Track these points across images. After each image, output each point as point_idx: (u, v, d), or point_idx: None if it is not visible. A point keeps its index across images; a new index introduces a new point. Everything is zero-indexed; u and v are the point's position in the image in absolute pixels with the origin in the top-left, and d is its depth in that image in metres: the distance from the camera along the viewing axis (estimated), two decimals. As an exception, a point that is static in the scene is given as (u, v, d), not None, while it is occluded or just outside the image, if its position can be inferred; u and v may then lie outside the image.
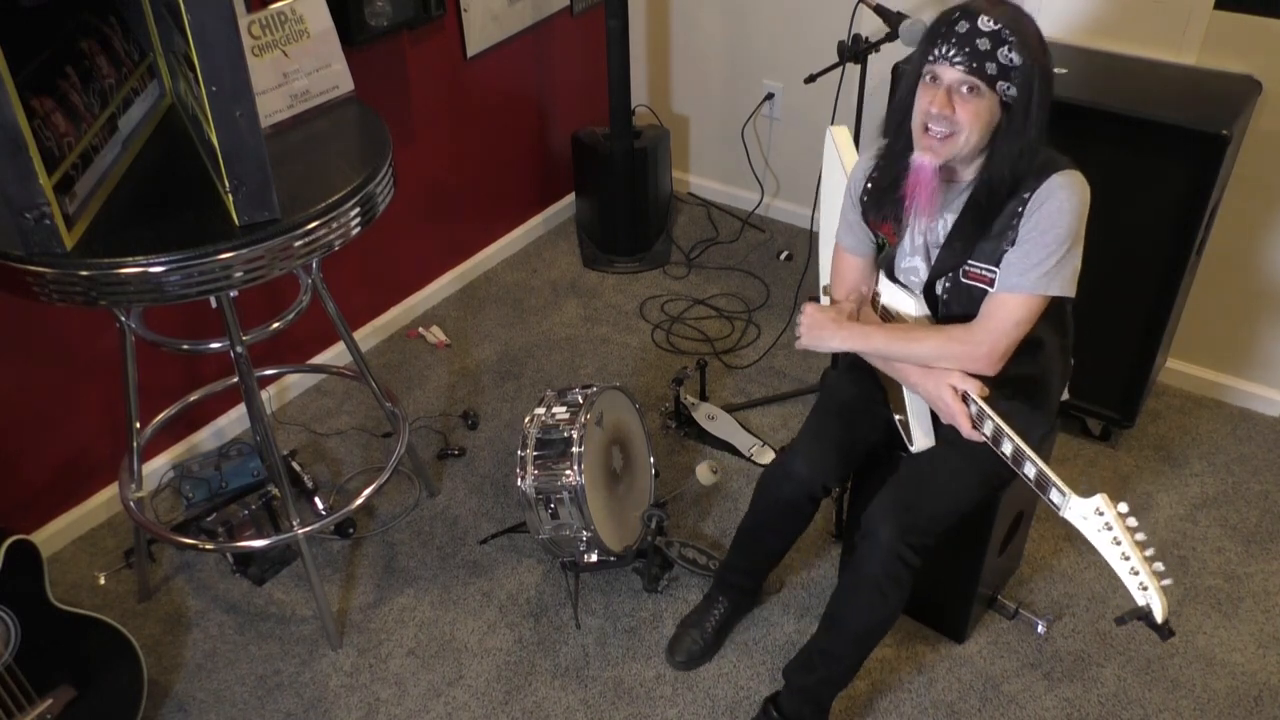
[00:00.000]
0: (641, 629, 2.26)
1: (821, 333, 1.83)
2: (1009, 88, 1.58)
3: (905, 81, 1.72)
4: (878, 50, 2.44)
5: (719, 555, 2.36)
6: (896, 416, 1.94)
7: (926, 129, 1.64)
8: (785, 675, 1.99)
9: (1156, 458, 2.66)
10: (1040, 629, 2.21)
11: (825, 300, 2.38)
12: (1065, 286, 1.67)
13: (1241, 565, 2.37)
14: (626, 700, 2.11)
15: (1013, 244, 1.67)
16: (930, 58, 1.60)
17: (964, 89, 1.58)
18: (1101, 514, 1.48)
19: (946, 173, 1.70)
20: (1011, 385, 1.80)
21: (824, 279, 2.37)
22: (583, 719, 2.08)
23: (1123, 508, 1.48)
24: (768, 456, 2.66)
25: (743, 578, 2.20)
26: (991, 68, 1.55)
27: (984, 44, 1.55)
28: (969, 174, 1.71)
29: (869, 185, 1.85)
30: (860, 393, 2.00)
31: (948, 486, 1.82)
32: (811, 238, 3.34)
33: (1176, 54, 2.50)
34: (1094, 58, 2.55)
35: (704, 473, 2.45)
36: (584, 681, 2.16)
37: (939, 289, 1.80)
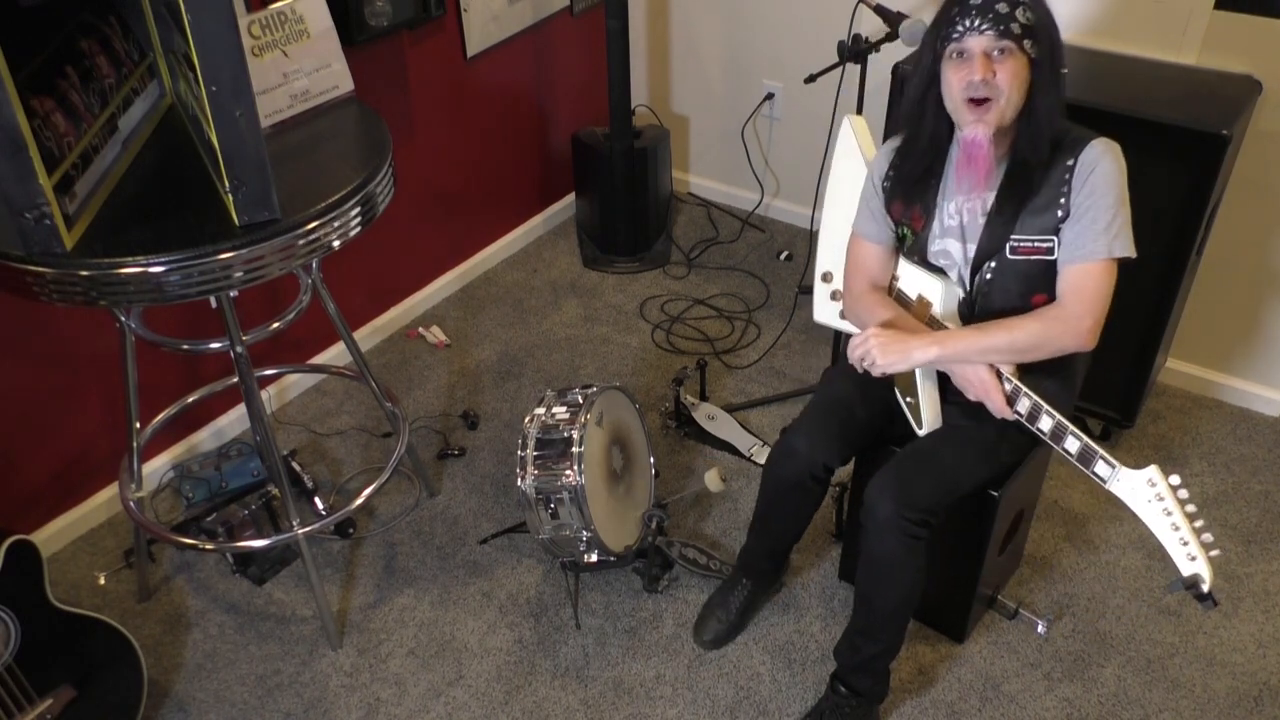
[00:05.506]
0: (641, 629, 2.26)
1: (904, 348, 1.76)
2: (1033, 45, 1.62)
3: (920, 74, 1.74)
4: (878, 50, 2.44)
5: (719, 555, 2.37)
6: (906, 399, 1.94)
7: (970, 101, 1.66)
8: (835, 656, 2.03)
9: (1157, 458, 2.66)
10: (1040, 629, 2.21)
11: (821, 285, 2.38)
12: (1129, 246, 1.71)
13: (1241, 565, 2.37)
14: (626, 700, 2.12)
15: (1065, 213, 1.70)
16: (954, 35, 1.64)
17: (996, 52, 1.62)
18: (1154, 485, 1.53)
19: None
20: (1041, 366, 1.82)
21: (821, 267, 2.37)
22: (583, 719, 2.08)
23: (1174, 479, 1.52)
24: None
25: (762, 560, 2.21)
26: (1015, 27, 1.61)
27: (1003, 7, 1.60)
28: (1002, 149, 1.73)
29: (891, 172, 1.88)
30: (861, 376, 2.01)
31: (948, 465, 1.83)
32: (812, 237, 3.34)
33: (1176, 54, 2.50)
34: (1094, 58, 2.55)
35: (713, 479, 2.44)
36: (584, 681, 2.16)
37: (984, 273, 1.79)
